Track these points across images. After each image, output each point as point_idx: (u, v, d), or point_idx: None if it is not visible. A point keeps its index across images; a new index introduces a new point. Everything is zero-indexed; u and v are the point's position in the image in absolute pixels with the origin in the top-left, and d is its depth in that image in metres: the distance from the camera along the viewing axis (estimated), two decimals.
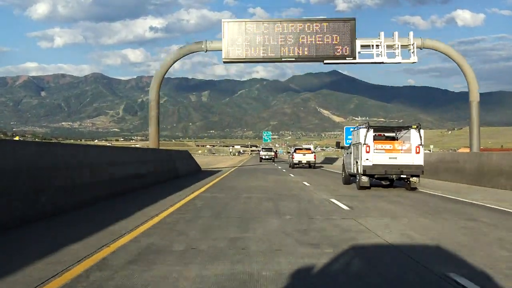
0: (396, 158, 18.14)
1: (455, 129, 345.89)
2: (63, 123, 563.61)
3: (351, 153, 20.46)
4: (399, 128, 19.88)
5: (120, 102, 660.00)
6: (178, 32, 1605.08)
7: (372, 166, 17.97)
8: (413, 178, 18.19)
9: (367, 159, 18.05)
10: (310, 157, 45.78)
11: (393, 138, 19.97)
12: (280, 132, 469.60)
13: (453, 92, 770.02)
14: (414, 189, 18.50)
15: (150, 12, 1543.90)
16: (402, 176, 18.08)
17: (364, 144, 18.12)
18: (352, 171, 20.13)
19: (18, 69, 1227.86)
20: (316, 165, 49.13)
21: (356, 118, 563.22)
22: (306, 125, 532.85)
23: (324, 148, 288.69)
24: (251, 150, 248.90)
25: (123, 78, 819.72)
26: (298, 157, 45.74)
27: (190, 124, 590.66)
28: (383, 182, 19.22)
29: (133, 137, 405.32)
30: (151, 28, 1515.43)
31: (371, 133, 18.33)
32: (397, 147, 18.84)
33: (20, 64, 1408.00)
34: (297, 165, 45.65)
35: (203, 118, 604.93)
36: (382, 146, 18.74)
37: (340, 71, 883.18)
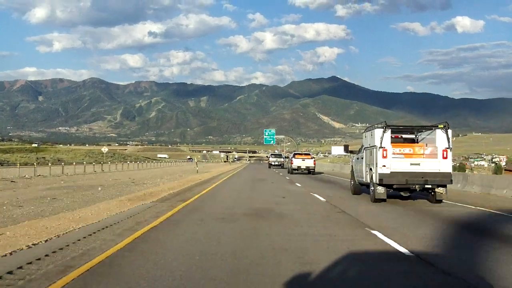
0: (419, 164, 14.98)
1: (460, 135, 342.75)
2: (60, 128, 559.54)
3: (362, 158, 17.25)
4: (421, 128, 16.67)
5: (118, 107, 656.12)
6: (177, 37, 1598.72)
7: (390, 174, 14.81)
8: (439, 188, 15.08)
9: (384, 166, 14.88)
10: (309, 163, 43.44)
11: (413, 141, 16.85)
12: (279, 137, 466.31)
13: (453, 98, 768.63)
14: (440, 201, 15.37)
15: (149, 17, 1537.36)
16: (426, 186, 14.92)
17: (381, 147, 14.94)
18: (364, 179, 16.92)
19: (17, 73, 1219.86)
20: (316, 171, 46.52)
21: (356, 124, 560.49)
22: (306, 131, 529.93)
23: (326, 155, 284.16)
24: (250, 157, 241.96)
25: (121, 83, 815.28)
26: (297, 162, 43.44)
27: (188, 129, 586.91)
28: (402, 194, 15.99)
29: (128, 142, 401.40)
30: (150, 33, 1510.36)
31: (388, 134, 15.16)
32: (418, 151, 15.73)
33: (19, 69, 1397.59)
34: (296, 171, 43.23)
35: (201, 124, 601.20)
36: (400, 150, 15.62)
37: (339, 76, 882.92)
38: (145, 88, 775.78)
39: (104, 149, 63.27)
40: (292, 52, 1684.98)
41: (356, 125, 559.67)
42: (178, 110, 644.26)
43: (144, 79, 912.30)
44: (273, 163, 64.38)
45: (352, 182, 18.93)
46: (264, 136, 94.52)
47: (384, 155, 14.85)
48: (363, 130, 17.52)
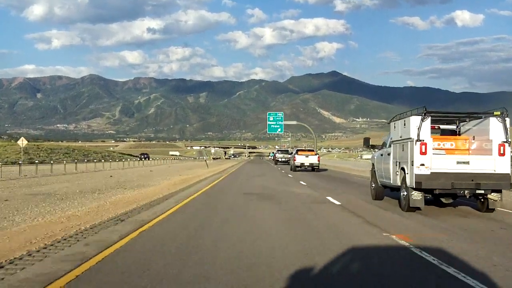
0: (468, 163, 11.44)
1: None
2: (58, 125, 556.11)
3: (389, 154, 13.69)
4: (467, 117, 13.08)
5: (117, 104, 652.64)
6: (176, 33, 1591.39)
7: (431, 175, 11.29)
8: (493, 194, 11.54)
9: (423, 165, 11.34)
10: (313, 159, 40.76)
11: (453, 132, 13.33)
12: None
13: (454, 92, 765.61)
14: (492, 210, 11.90)
15: (148, 13, 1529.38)
16: (477, 191, 11.38)
17: (418, 140, 11.41)
18: (391, 181, 13.36)
19: (16, 71, 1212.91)
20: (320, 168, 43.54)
21: (357, 119, 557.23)
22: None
23: (330, 150, 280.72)
24: (250, 153, 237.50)
25: (120, 80, 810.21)
26: (300, 159, 40.39)
27: (187, 125, 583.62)
28: (443, 200, 12.44)
29: (125, 139, 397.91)
30: (149, 30, 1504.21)
31: (428, 123, 11.64)
32: (462, 146, 12.27)
33: (18, 67, 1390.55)
34: (299, 168, 40.35)
35: (200, 120, 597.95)
36: (440, 144, 12.14)
37: (339, 71, 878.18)
38: (144, 85, 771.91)
39: (21, 142, 49.45)
40: (292, 47, 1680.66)
41: (357, 120, 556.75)
42: (177, 106, 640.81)
43: (143, 76, 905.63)
44: (280, 160, 63.71)
45: (373, 185, 15.35)
46: (268, 123, 66.95)
47: (423, 151, 11.32)
48: (390, 119, 13.91)
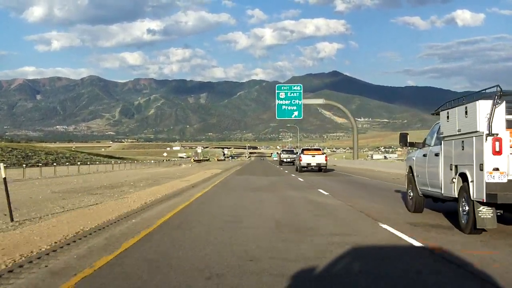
0: None
1: None
2: (57, 126, 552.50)
3: (437, 155, 10.35)
4: None
5: (117, 105, 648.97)
6: (176, 34, 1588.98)
7: (508, 184, 8.07)
8: None
9: (497, 169, 8.22)
10: (320, 159, 37.66)
11: None
12: (281, 133, 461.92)
13: (456, 92, 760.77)
14: None
15: (148, 14, 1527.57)
16: None
17: (490, 135, 8.13)
18: (443, 191, 9.96)
19: (16, 73, 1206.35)
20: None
21: (359, 119, 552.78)
22: (308, 127, 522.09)
23: (334, 150, 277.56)
24: (250, 153, 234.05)
25: (120, 81, 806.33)
26: (306, 159, 37.54)
27: (188, 126, 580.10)
28: None
29: (123, 140, 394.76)
30: (149, 31, 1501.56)
31: (502, 110, 8.36)
32: None
33: (18, 68, 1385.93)
34: (305, 169, 37.43)
35: (201, 120, 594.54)
36: (511, 141, 8.82)
37: (340, 71, 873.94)
38: (144, 86, 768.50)
39: None
40: (292, 48, 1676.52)
41: (359, 119, 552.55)
42: (177, 107, 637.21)
43: (143, 77, 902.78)
44: (285, 160, 62.99)
45: (411, 194, 12.01)
46: (277, 102, 50.90)
47: (497, 150, 8.05)
48: (438, 108, 10.53)
